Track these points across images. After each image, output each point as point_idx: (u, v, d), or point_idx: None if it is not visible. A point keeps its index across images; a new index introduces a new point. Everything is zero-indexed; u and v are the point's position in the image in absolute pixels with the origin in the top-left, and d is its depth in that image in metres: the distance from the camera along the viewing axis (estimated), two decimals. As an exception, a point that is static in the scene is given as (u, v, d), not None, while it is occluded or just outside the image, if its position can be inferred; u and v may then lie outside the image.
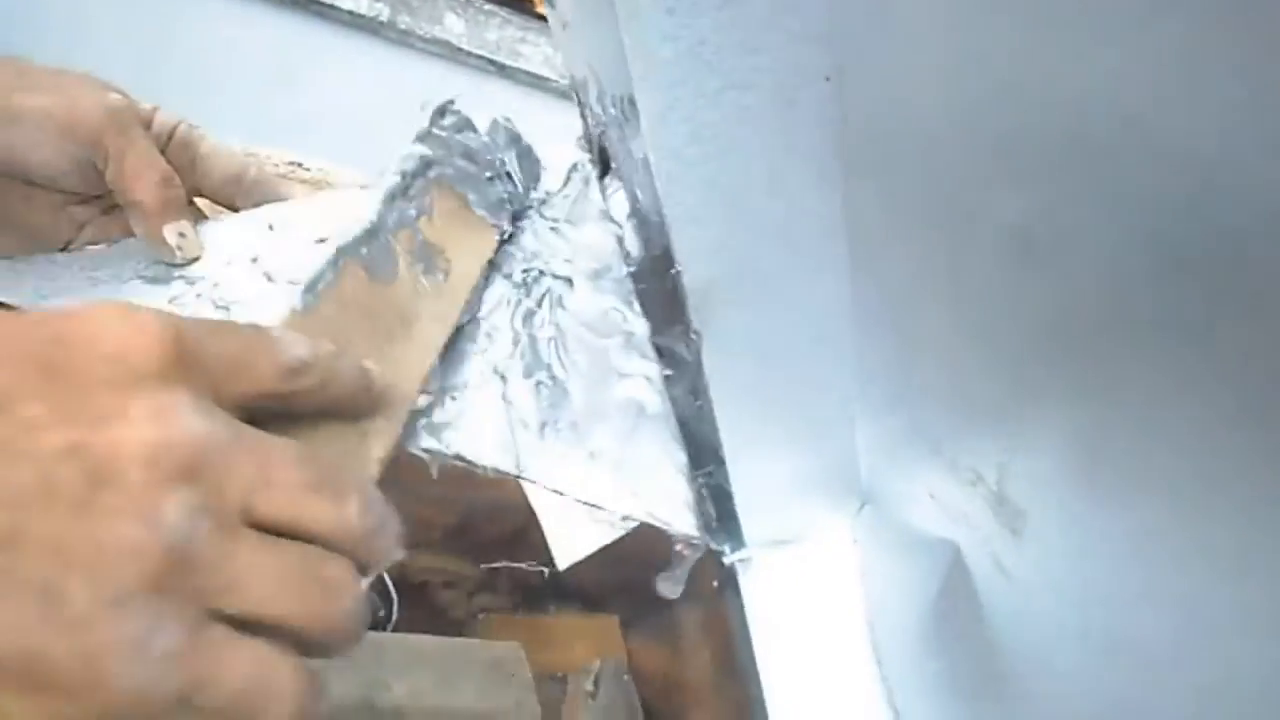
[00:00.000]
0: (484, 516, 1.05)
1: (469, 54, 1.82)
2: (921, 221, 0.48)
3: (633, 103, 0.45)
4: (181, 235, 0.66)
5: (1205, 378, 0.35)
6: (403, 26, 1.71)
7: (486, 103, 0.61)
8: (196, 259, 0.66)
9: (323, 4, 1.60)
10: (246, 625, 0.37)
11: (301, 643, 0.39)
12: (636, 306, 0.59)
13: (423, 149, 0.60)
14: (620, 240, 0.60)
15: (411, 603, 1.00)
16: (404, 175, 0.58)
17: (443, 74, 1.83)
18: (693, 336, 0.55)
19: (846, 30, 0.44)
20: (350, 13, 1.64)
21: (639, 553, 0.76)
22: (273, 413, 0.43)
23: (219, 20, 1.55)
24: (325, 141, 1.16)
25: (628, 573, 1.01)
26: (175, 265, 0.66)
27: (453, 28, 1.83)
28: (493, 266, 0.63)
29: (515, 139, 0.66)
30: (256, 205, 0.71)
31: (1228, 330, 0.33)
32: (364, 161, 0.88)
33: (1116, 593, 0.52)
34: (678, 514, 0.56)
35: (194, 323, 0.39)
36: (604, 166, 0.62)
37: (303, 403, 0.44)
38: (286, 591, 0.38)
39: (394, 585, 0.99)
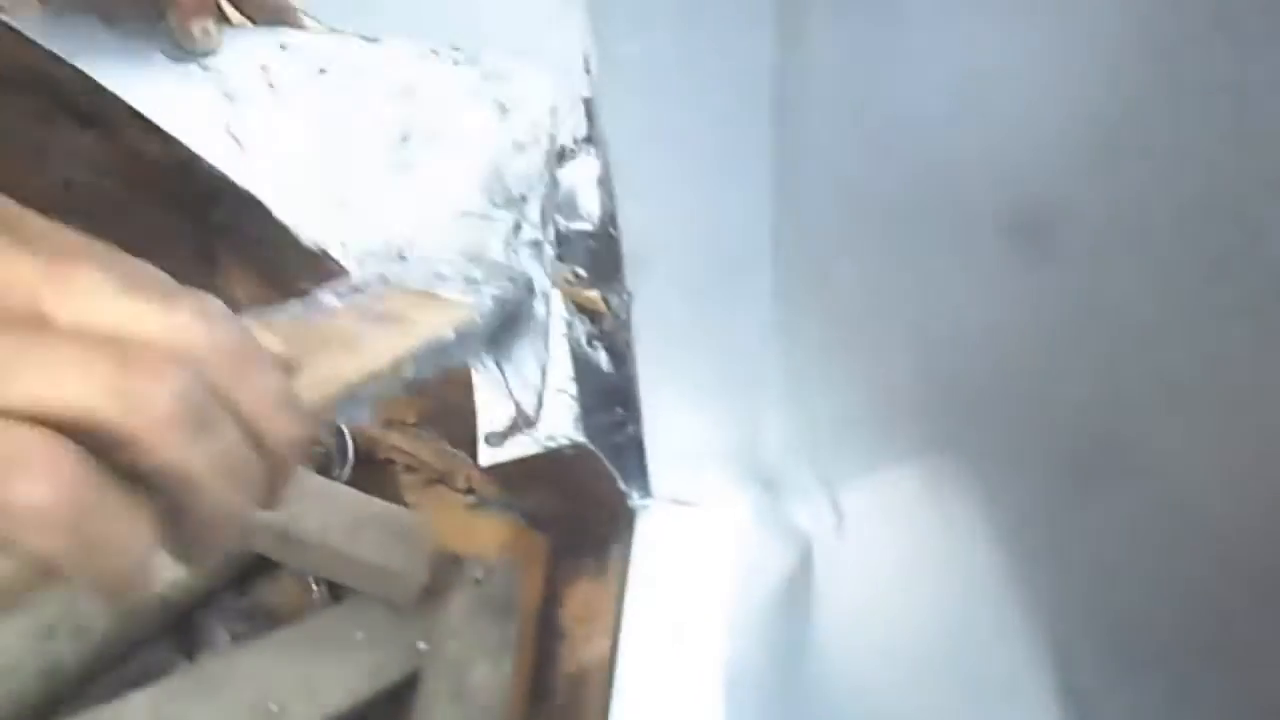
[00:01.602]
0: (458, 411, 1.14)
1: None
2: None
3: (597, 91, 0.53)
4: (205, 31, 0.78)
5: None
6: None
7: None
8: (213, 52, 0.79)
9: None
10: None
11: (100, 434, 0.31)
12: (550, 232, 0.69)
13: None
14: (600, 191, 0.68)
15: (371, 476, 1.10)
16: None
17: None
18: (625, 296, 0.63)
19: (791, 64, 0.51)
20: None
21: (595, 496, 0.85)
22: None
23: None
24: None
25: (575, 508, 1.10)
26: (194, 53, 0.79)
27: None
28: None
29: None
30: (272, 25, 0.83)
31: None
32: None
33: (896, 604, 0.59)
34: (526, 397, 0.66)
35: None
36: (590, 128, 0.70)
37: None
38: (69, 376, 0.31)
39: (359, 455, 1.09)
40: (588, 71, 0.60)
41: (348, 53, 0.83)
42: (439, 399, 1.13)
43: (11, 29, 0.82)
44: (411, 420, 1.18)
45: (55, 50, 0.78)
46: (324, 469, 1.08)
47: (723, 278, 0.61)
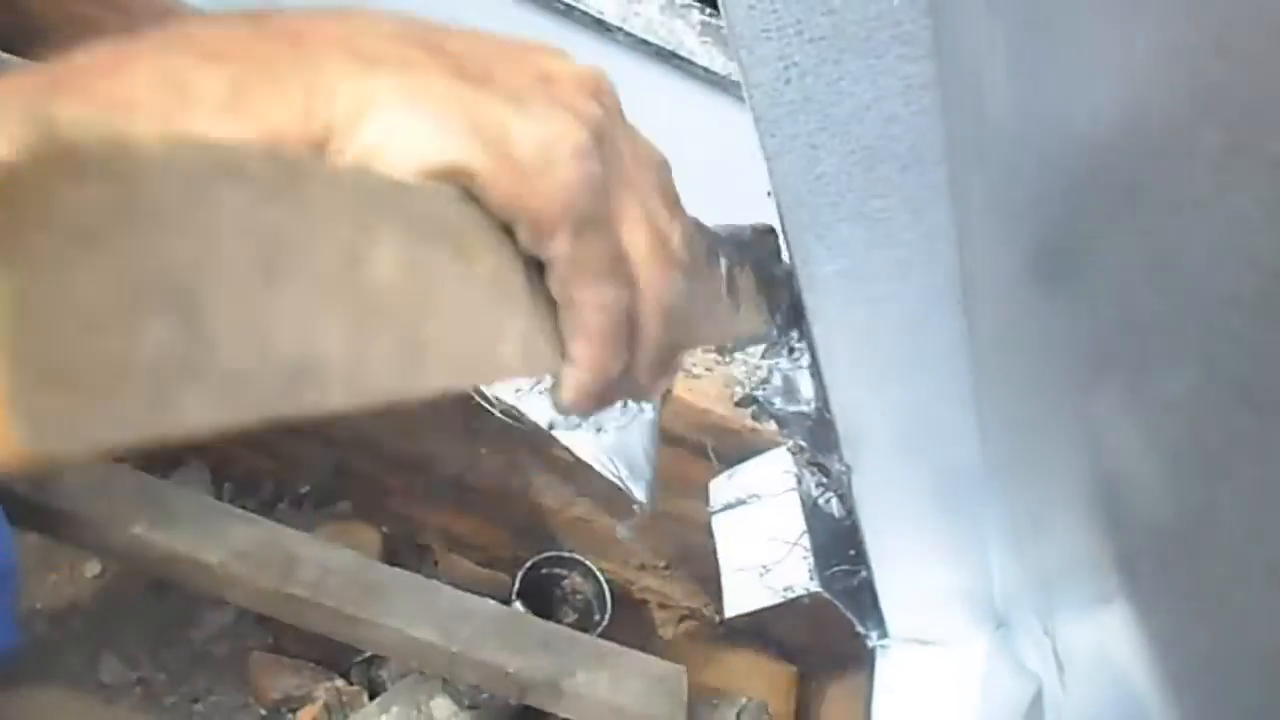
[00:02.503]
0: (702, 552, 1.21)
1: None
2: (1010, 423, 0.60)
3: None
4: None
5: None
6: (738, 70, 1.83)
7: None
8: None
9: (680, 58, 1.73)
10: None
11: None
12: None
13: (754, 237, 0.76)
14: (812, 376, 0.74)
15: (628, 614, 1.18)
16: (748, 233, 0.73)
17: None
18: (843, 467, 0.69)
19: (971, 263, 0.56)
20: (705, 69, 1.75)
21: (837, 621, 0.90)
22: None
23: (576, 50, 1.70)
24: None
25: (825, 637, 1.14)
26: None
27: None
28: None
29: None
30: None
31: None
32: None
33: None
34: (638, 487, 0.73)
35: None
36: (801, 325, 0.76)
37: None
38: (650, 228, 0.43)
39: (616, 597, 1.18)
40: (795, 280, 0.67)
41: None
42: (682, 543, 1.21)
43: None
44: (662, 563, 1.26)
45: None
46: (586, 615, 1.17)
47: (933, 448, 0.67)
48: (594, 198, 0.40)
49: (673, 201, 0.46)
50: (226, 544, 1.12)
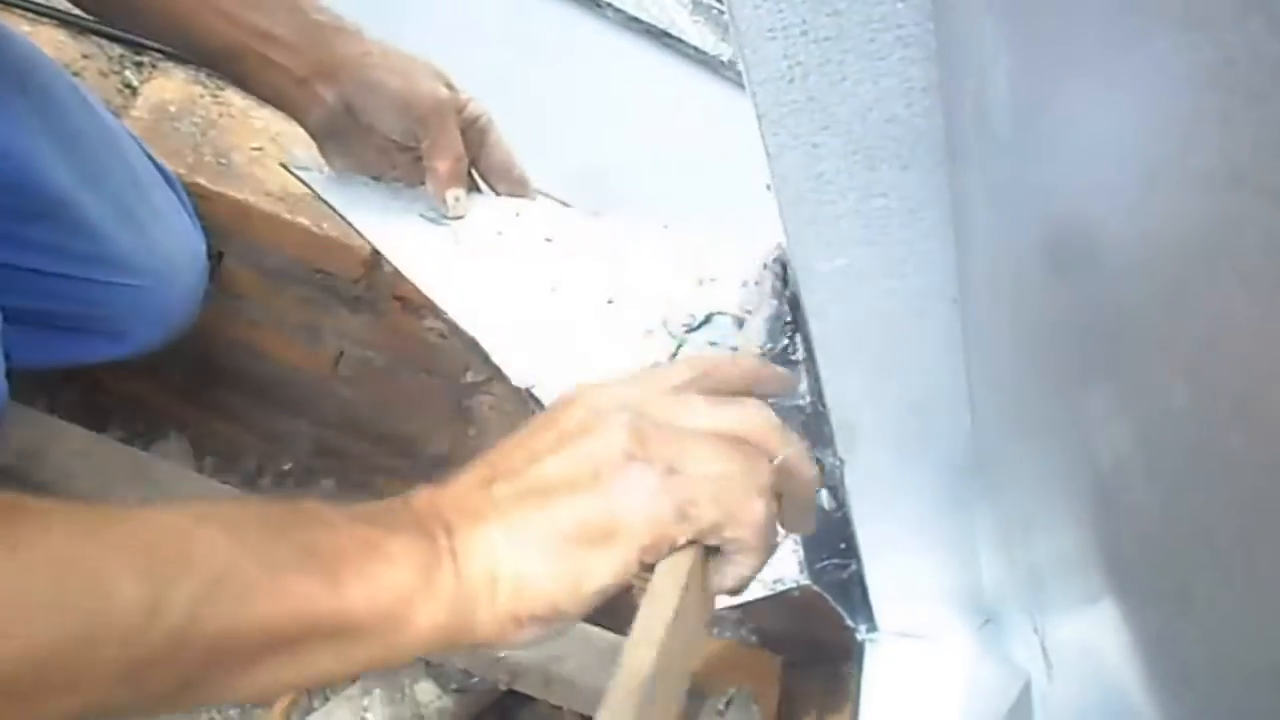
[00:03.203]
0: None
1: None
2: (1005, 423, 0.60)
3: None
4: (457, 199, 0.91)
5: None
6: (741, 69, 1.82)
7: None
8: (461, 218, 0.92)
9: (671, 36, 1.72)
10: None
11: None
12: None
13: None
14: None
15: (612, 601, 1.17)
16: None
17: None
18: (836, 460, 0.69)
19: (967, 263, 0.56)
20: (696, 49, 1.74)
21: (821, 612, 0.90)
22: None
23: (565, 27, 1.67)
24: (619, 157, 1.32)
25: (808, 626, 1.14)
26: (446, 217, 0.92)
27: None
28: None
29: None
30: (511, 193, 0.95)
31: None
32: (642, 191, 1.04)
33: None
34: None
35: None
36: (794, 313, 0.76)
37: None
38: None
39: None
40: (789, 279, 0.67)
41: (571, 224, 0.94)
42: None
43: (292, 227, 0.97)
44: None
45: (333, 203, 0.94)
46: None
47: (925, 443, 0.67)
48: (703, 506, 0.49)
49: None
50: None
